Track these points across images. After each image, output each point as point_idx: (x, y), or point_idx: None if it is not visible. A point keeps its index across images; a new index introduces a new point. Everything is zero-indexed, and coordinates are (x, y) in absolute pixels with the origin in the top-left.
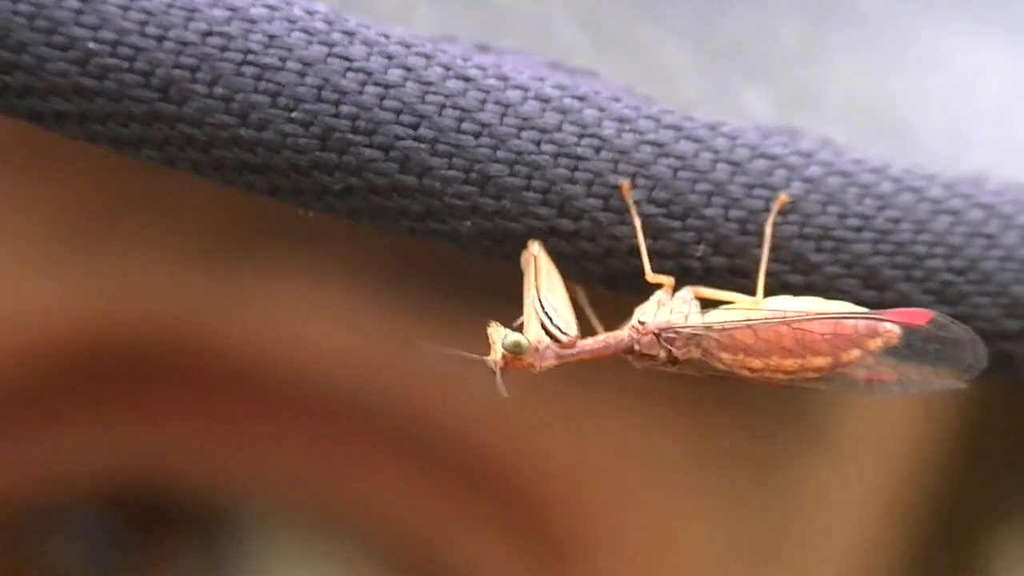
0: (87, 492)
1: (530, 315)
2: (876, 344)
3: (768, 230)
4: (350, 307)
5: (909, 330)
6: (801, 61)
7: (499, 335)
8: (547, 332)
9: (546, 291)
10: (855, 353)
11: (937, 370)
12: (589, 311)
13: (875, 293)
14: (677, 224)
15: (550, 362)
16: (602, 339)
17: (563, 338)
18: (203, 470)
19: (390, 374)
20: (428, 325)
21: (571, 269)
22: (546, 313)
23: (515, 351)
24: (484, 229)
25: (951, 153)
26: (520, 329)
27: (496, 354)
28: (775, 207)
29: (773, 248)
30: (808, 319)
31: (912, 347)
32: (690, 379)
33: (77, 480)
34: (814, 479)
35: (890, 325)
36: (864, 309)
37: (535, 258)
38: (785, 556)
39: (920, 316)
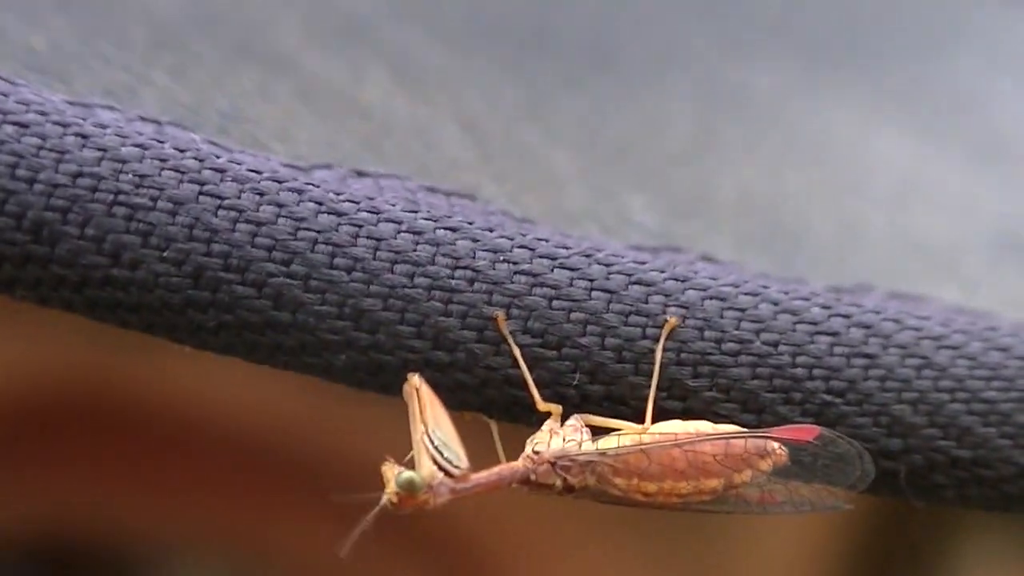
0: (10, 541)
1: (420, 450)
2: (766, 463)
3: (658, 356)
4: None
5: (797, 447)
6: (689, 162)
7: (393, 474)
8: (438, 466)
9: (433, 424)
10: (747, 473)
11: (828, 485)
12: (497, 441)
13: (754, 416)
14: (553, 354)
15: (444, 497)
16: (496, 471)
17: (455, 472)
18: (122, 519)
19: (307, 424)
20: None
21: (448, 400)
22: (436, 447)
23: (409, 489)
24: (358, 363)
25: (842, 249)
26: (411, 464)
27: (391, 492)
28: (664, 331)
29: (651, 375)
30: (699, 440)
31: (801, 463)
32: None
33: (1, 529)
34: (748, 531)
35: (778, 445)
36: (750, 430)
37: (418, 391)
38: None
39: (807, 432)
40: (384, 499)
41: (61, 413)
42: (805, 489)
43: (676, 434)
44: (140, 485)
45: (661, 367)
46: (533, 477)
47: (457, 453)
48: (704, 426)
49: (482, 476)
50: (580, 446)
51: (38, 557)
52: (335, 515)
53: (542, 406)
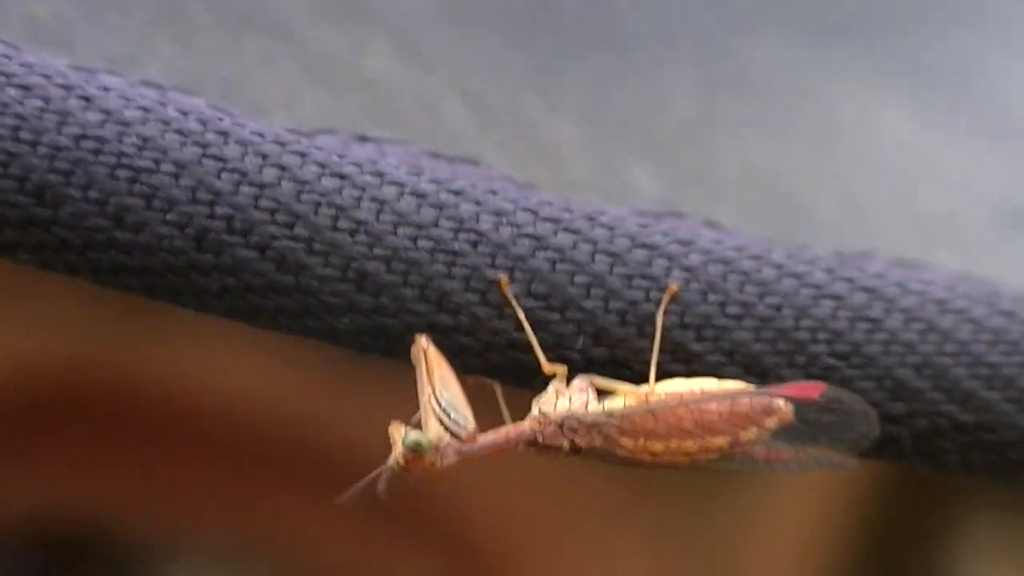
0: (10, 532)
1: (427, 412)
2: (772, 421)
3: (659, 321)
4: (270, 351)
5: (803, 404)
6: (693, 135)
7: (400, 435)
8: (445, 428)
9: (440, 386)
10: (752, 431)
11: (833, 442)
12: (502, 403)
13: (757, 380)
14: (556, 317)
15: (451, 459)
16: (503, 433)
17: (462, 433)
18: (125, 510)
19: (310, 415)
20: (346, 366)
21: (452, 364)
22: (443, 409)
23: (416, 451)
24: (361, 326)
25: (845, 222)
26: (418, 425)
27: (397, 454)
28: (665, 297)
29: (655, 338)
30: (705, 399)
31: (807, 420)
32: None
33: (3, 520)
34: (754, 511)
35: (783, 402)
36: (756, 387)
37: (425, 352)
38: None
39: (812, 389)
40: (391, 461)
41: (61, 405)
42: (811, 446)
43: (682, 393)
44: (141, 477)
45: (663, 332)
46: (540, 438)
47: (464, 415)
48: (709, 383)
49: (489, 437)
50: (586, 407)
51: (38, 549)
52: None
53: (547, 368)
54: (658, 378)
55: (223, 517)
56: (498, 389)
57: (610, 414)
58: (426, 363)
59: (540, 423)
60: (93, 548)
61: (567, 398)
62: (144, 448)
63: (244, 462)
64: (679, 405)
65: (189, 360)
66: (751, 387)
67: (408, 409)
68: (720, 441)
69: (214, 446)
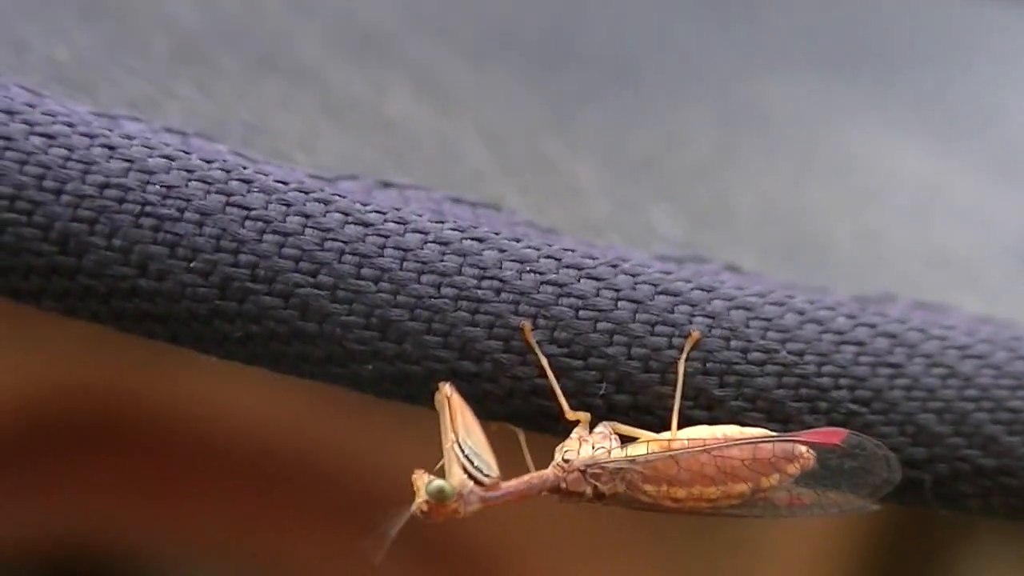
0: (18, 558)
1: (450, 459)
2: (794, 468)
3: (681, 367)
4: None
5: (825, 449)
6: (711, 174)
7: (423, 482)
8: (468, 475)
9: (464, 433)
10: (775, 477)
11: (855, 487)
12: (526, 450)
13: (780, 426)
14: (579, 363)
15: (475, 506)
16: (526, 479)
17: (485, 481)
18: (131, 532)
19: (317, 437)
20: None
21: (475, 410)
22: (466, 456)
23: (440, 498)
24: (385, 373)
25: (864, 261)
26: (441, 472)
27: (419, 501)
28: (687, 344)
29: (676, 386)
30: (727, 445)
31: (828, 466)
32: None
33: (9, 546)
34: (762, 536)
35: (805, 449)
36: (777, 433)
37: (449, 399)
38: None
39: (834, 435)
40: (414, 508)
41: (69, 428)
42: (833, 491)
43: (704, 440)
44: (149, 499)
45: (685, 378)
46: (563, 485)
47: (488, 462)
48: (732, 430)
49: (512, 484)
50: (609, 453)
51: (47, 570)
52: (346, 527)
53: (570, 415)
54: (680, 425)
55: (228, 541)
56: (521, 436)
57: (633, 460)
58: (450, 410)
59: (563, 470)
60: (102, 570)
61: (590, 445)
62: (150, 474)
63: (249, 487)
64: (702, 452)
65: (194, 386)
66: (773, 434)
67: (413, 436)
68: (742, 488)
69: (220, 471)
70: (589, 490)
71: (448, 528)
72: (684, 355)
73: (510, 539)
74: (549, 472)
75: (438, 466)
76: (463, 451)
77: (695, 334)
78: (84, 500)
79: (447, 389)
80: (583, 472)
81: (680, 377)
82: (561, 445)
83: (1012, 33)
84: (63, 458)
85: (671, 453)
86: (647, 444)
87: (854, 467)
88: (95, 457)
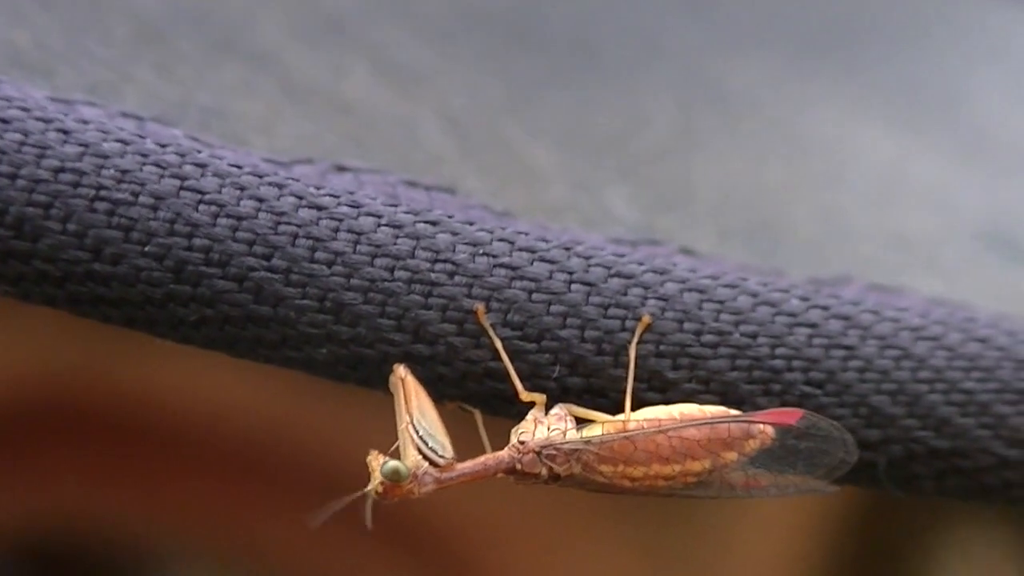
0: (2, 543)
1: (405, 440)
2: (752, 445)
3: (633, 351)
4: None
5: (782, 429)
6: (671, 157)
7: (378, 463)
8: (423, 456)
9: (418, 415)
10: (731, 455)
11: (811, 468)
12: (482, 431)
13: (734, 408)
14: (532, 346)
15: (429, 487)
16: (481, 461)
17: (440, 461)
18: (114, 520)
19: (298, 425)
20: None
21: (429, 393)
22: (420, 437)
23: (394, 479)
24: (339, 356)
25: (824, 243)
26: (397, 454)
27: (375, 483)
28: (639, 328)
29: (628, 369)
30: (684, 426)
31: (785, 446)
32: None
33: None
34: (734, 526)
35: (763, 426)
36: (737, 412)
37: (403, 381)
38: None
39: (790, 415)
40: (370, 488)
41: (51, 415)
42: (790, 472)
43: (661, 420)
44: (132, 486)
45: (637, 361)
46: (519, 467)
47: (442, 443)
48: (690, 408)
49: (467, 466)
50: (565, 435)
51: (30, 558)
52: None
53: (525, 396)
54: (634, 407)
55: (212, 527)
56: (478, 416)
57: (588, 441)
58: (404, 392)
59: (519, 451)
60: (84, 559)
61: (545, 426)
62: (134, 460)
63: (232, 473)
64: (658, 432)
65: (175, 374)
66: (733, 412)
67: (389, 423)
68: (699, 466)
69: (201, 458)
70: (544, 471)
71: (424, 517)
72: (636, 339)
73: (485, 528)
74: (504, 453)
75: (393, 448)
76: (417, 432)
77: (646, 318)
78: (65, 487)
79: (401, 371)
80: (538, 453)
81: (632, 360)
82: (517, 427)
83: (976, 18)
84: (44, 446)
85: (627, 434)
86: (602, 425)
87: (810, 447)
88: (76, 445)
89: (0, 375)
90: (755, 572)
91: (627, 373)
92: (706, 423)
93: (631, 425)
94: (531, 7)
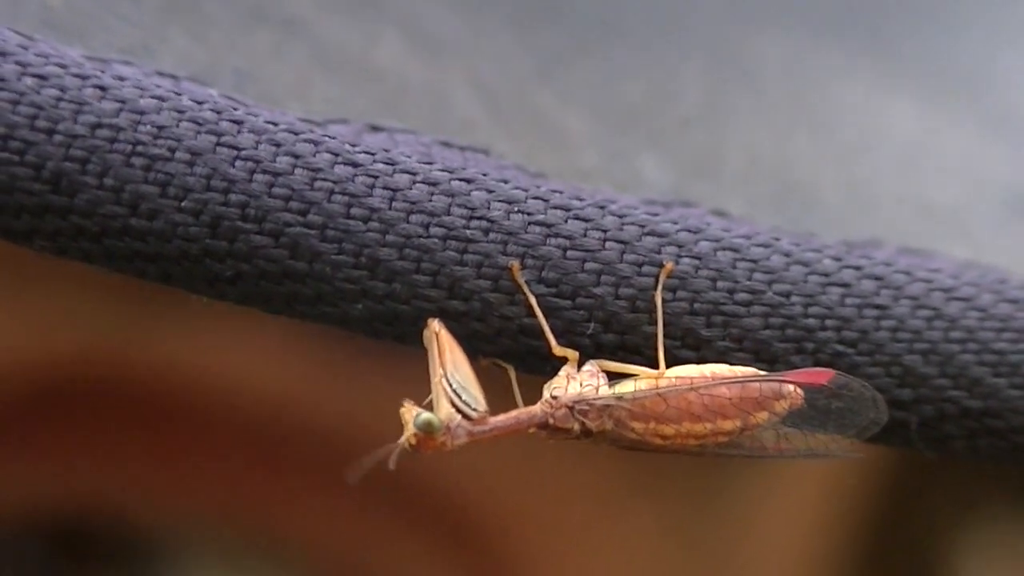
0: (18, 521)
1: (439, 393)
2: (782, 406)
3: (658, 301)
4: (275, 342)
5: (812, 390)
6: (700, 124)
7: (411, 415)
8: (456, 409)
9: (452, 368)
10: (763, 415)
11: (841, 428)
12: (516, 387)
13: (767, 366)
14: (567, 303)
15: (462, 440)
16: (514, 415)
17: (473, 415)
18: (132, 500)
19: (317, 402)
20: (352, 356)
21: (464, 349)
22: (454, 391)
23: (427, 430)
24: (375, 312)
25: (851, 211)
26: (430, 407)
27: (408, 434)
28: (661, 277)
29: (664, 324)
30: (715, 384)
31: (816, 406)
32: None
33: (8, 510)
34: (757, 511)
35: (794, 388)
36: (766, 372)
37: (437, 335)
38: None
39: (821, 375)
40: (402, 440)
41: (67, 394)
42: (820, 433)
43: (692, 378)
44: (146, 463)
45: (673, 318)
46: (551, 421)
47: (475, 396)
48: (721, 368)
49: (500, 419)
50: (597, 391)
51: (43, 539)
52: (344, 492)
53: (558, 351)
54: (666, 360)
55: (227, 506)
56: (512, 372)
57: (621, 397)
58: (438, 346)
59: (551, 406)
60: (97, 538)
61: (578, 382)
62: (148, 439)
63: (249, 453)
64: (690, 389)
65: (194, 351)
66: (762, 373)
67: (412, 395)
68: (730, 425)
69: (219, 437)
70: (577, 427)
71: (449, 498)
72: (659, 286)
73: (509, 511)
74: (537, 408)
75: (427, 400)
76: (451, 385)
77: (669, 264)
78: (82, 465)
79: (435, 325)
80: (571, 408)
81: (659, 310)
82: (549, 383)
83: None
84: (61, 424)
85: (659, 391)
86: (635, 381)
87: (841, 408)
88: (92, 423)
89: (16, 355)
90: (776, 556)
91: (656, 322)
92: (738, 382)
93: (663, 382)
94: None
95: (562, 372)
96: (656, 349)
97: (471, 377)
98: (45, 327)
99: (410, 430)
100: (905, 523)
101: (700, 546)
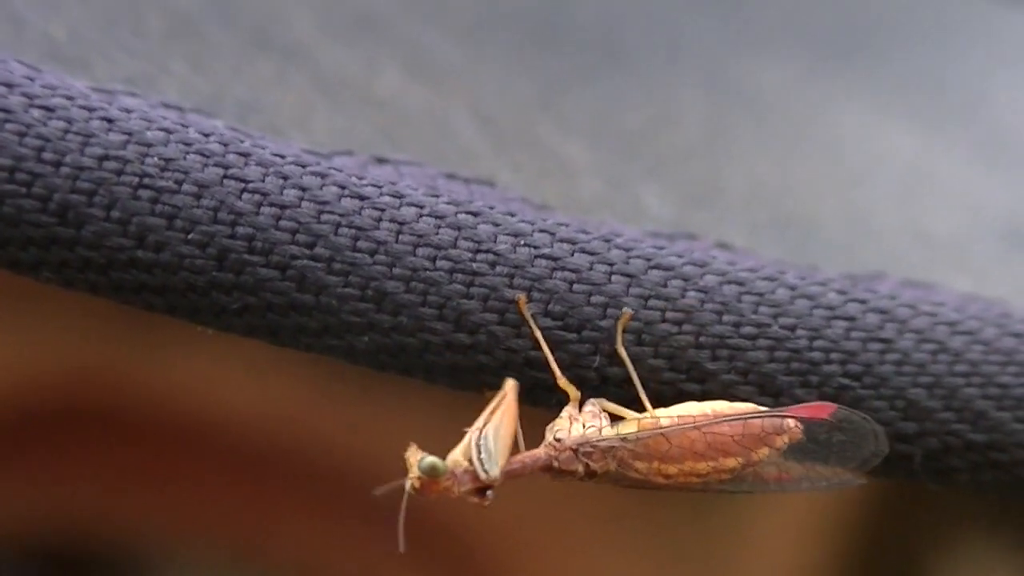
0: (10, 541)
1: (464, 443)
2: (782, 440)
3: (622, 352)
4: (263, 361)
5: (813, 424)
6: (700, 153)
7: (416, 459)
8: (469, 462)
9: (492, 429)
10: (764, 451)
11: (843, 461)
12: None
13: (771, 399)
14: (573, 336)
15: (467, 487)
16: (519, 459)
17: (481, 475)
18: (123, 519)
19: (310, 424)
20: (339, 376)
21: (468, 382)
22: (477, 447)
23: (431, 474)
24: (381, 345)
25: (852, 240)
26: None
27: (413, 477)
28: (620, 323)
29: (670, 358)
30: (717, 422)
31: (817, 440)
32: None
33: (2, 531)
34: (751, 523)
35: (794, 423)
36: (767, 408)
37: (504, 396)
38: None
39: (823, 409)
40: (407, 484)
41: (61, 415)
42: (821, 466)
43: (694, 416)
44: (143, 485)
45: (678, 351)
46: (556, 464)
47: (495, 463)
48: (720, 405)
49: (505, 467)
50: (600, 432)
51: (38, 558)
52: (333, 515)
53: (563, 383)
54: (672, 398)
55: (221, 527)
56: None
57: (624, 439)
58: (496, 404)
59: (556, 449)
60: (92, 558)
61: (580, 424)
62: (141, 461)
63: (242, 473)
64: (692, 428)
65: (185, 375)
66: (763, 409)
67: (402, 424)
68: (732, 462)
69: (212, 457)
70: (581, 468)
71: (442, 517)
72: (619, 335)
73: (503, 528)
74: (541, 452)
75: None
76: (478, 443)
77: (627, 312)
78: (75, 486)
79: (509, 385)
80: (575, 451)
81: (626, 359)
82: (551, 425)
83: (999, 19)
84: (55, 444)
85: (662, 430)
86: (637, 422)
87: (843, 441)
88: (86, 444)
89: (13, 375)
90: (769, 564)
91: (629, 371)
92: (739, 419)
93: (664, 421)
94: (559, 6)
95: (564, 413)
96: (666, 385)
97: (506, 445)
98: (38, 350)
99: (414, 473)
100: (897, 535)
101: (693, 556)
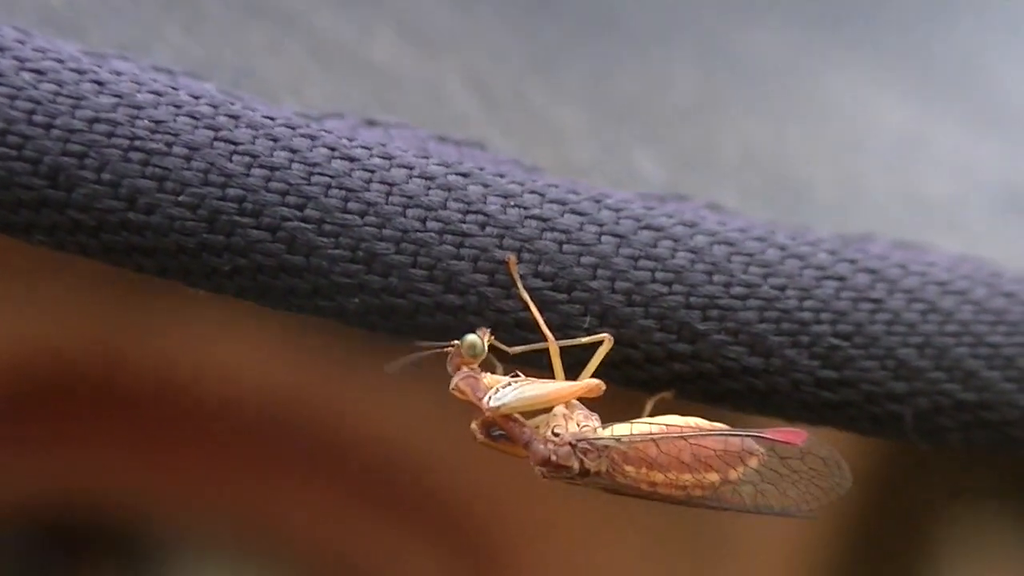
0: (11, 515)
1: (506, 380)
2: (753, 461)
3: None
4: (268, 334)
5: (786, 449)
6: (694, 118)
7: (474, 335)
8: (502, 384)
9: (533, 389)
10: (739, 470)
11: (811, 487)
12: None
13: (761, 360)
14: (563, 296)
15: (472, 398)
16: (528, 428)
17: (485, 401)
18: (126, 493)
19: (317, 399)
20: (342, 348)
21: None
22: (504, 386)
23: (467, 351)
24: (371, 306)
25: (845, 205)
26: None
27: (456, 343)
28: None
29: (660, 318)
30: (704, 435)
31: (789, 466)
32: (622, 417)
33: (3, 505)
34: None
35: (758, 446)
36: (742, 430)
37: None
38: None
39: (796, 436)
40: (448, 348)
41: (60, 386)
42: (790, 490)
43: (680, 427)
44: (141, 456)
45: (669, 312)
46: (554, 458)
47: (506, 404)
48: (701, 422)
49: (514, 425)
50: (595, 431)
51: (39, 534)
52: (335, 485)
53: (552, 345)
54: (661, 359)
55: (223, 501)
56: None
57: (618, 440)
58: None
59: (555, 443)
60: (94, 533)
61: (575, 422)
62: (142, 432)
63: (246, 448)
64: (679, 438)
65: (185, 344)
66: (739, 429)
67: (405, 397)
68: (712, 477)
69: (211, 429)
70: (576, 465)
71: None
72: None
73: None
74: (540, 443)
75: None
76: (511, 383)
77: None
78: (75, 461)
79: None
80: (573, 446)
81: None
82: (547, 420)
83: None
84: (55, 416)
85: (652, 436)
86: (630, 424)
87: (811, 469)
88: (87, 415)
89: (12, 349)
90: (763, 559)
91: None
92: (722, 434)
93: (654, 428)
94: None
95: (557, 411)
96: (656, 345)
97: (528, 406)
98: (34, 322)
99: (458, 342)
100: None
101: (688, 550)
